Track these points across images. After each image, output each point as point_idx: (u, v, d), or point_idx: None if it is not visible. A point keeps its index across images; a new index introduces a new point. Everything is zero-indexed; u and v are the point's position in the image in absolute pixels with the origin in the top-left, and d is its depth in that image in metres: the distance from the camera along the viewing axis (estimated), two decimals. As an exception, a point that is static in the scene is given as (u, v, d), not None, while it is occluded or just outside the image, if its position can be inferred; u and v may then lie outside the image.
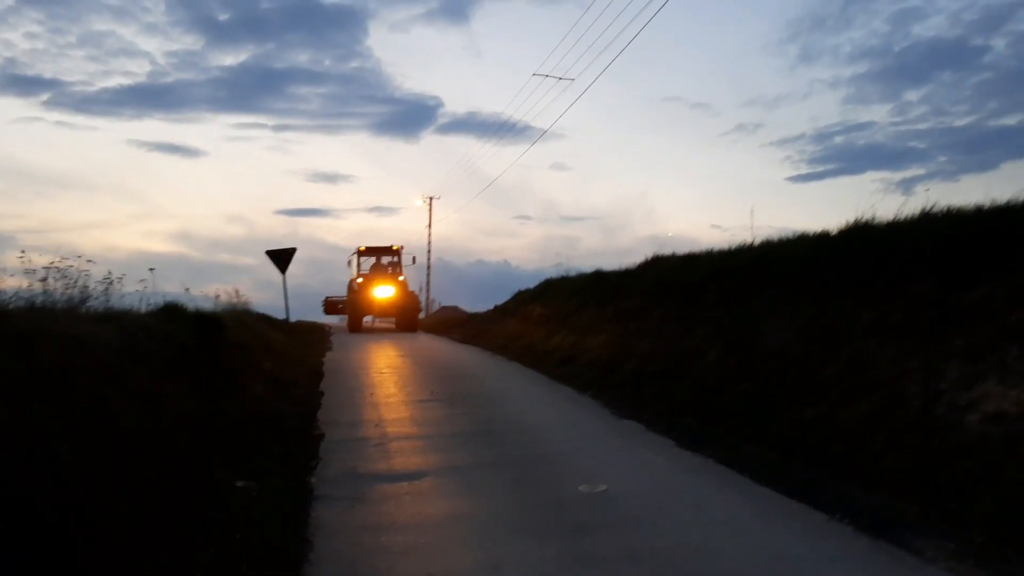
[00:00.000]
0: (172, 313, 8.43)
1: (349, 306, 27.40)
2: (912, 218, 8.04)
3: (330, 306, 34.04)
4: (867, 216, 8.78)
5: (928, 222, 7.75)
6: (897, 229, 8.05)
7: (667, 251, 14.37)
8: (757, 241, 11.40)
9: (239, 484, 5.84)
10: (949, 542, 4.67)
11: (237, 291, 15.47)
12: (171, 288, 9.07)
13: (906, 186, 45.17)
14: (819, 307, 8.40)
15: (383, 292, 26.23)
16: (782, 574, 4.35)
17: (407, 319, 27.05)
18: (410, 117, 59.22)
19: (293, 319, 22.10)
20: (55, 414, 3.63)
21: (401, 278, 27.31)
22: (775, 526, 5.14)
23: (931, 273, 6.99)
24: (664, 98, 55.35)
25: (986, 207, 7.19)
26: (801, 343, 8.29)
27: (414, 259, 31.03)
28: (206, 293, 12.36)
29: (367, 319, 28.03)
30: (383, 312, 27.25)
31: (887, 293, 7.45)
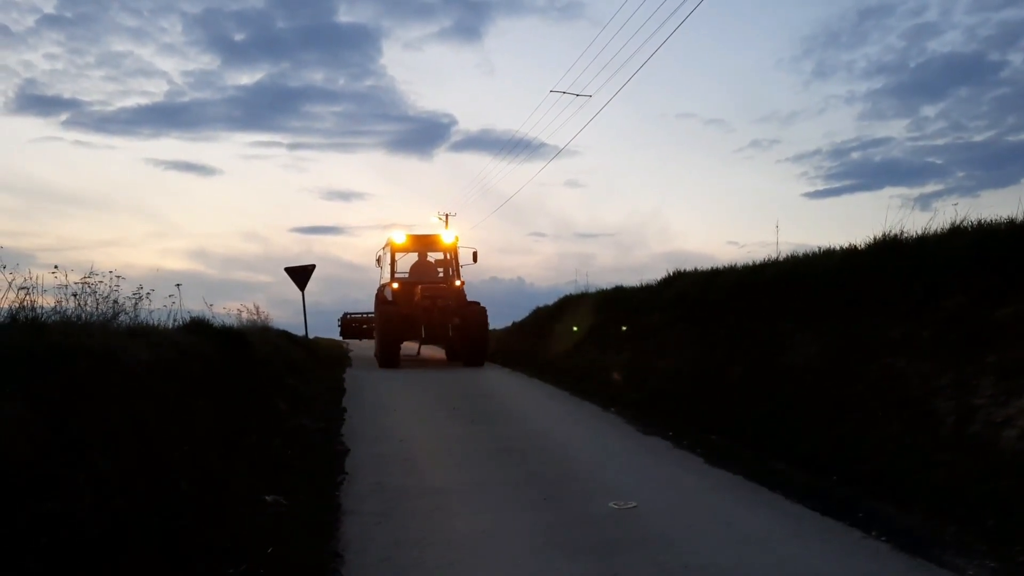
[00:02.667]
0: (199, 329, 8.47)
1: (379, 326, 18.24)
2: (941, 233, 7.96)
3: (349, 326, 25.71)
4: (894, 231, 8.71)
5: (957, 237, 7.66)
6: (926, 244, 7.98)
7: (685, 268, 14.33)
8: (781, 257, 11.33)
9: (267, 499, 5.84)
10: (990, 561, 4.59)
11: (258, 308, 15.47)
12: (191, 305, 9.09)
13: (924, 202, 44.82)
14: (846, 323, 8.32)
15: (433, 304, 17.34)
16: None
17: (473, 346, 17.77)
18: (424, 135, 59.46)
19: (310, 336, 22.12)
20: (93, 428, 3.64)
21: (459, 283, 18.80)
22: (810, 545, 5.06)
23: (962, 289, 6.91)
24: (678, 114, 55.37)
25: (1018, 221, 7.11)
26: (827, 360, 8.21)
27: (475, 255, 20.14)
28: (228, 310, 12.39)
29: (408, 349, 19.25)
30: (434, 335, 18.20)
31: (916, 309, 7.37)
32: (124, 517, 3.36)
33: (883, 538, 5.08)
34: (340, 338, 26.41)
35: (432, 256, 20.52)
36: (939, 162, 41.71)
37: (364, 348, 24.03)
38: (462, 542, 5.23)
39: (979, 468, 5.50)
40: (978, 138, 41.73)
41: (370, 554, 4.99)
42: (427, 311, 17.30)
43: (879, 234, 8.89)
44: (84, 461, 3.29)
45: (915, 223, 10.87)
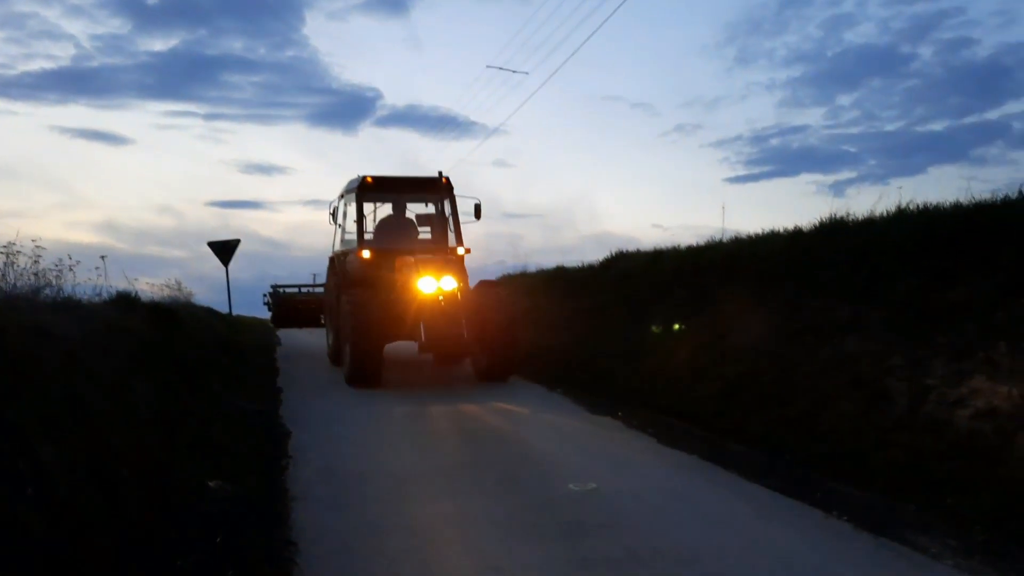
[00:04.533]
0: (127, 304, 7.97)
1: (354, 323, 10.68)
2: (888, 216, 8.08)
3: (285, 308, 17.48)
4: (840, 214, 8.83)
5: (904, 220, 7.79)
6: (873, 227, 8.09)
7: (611, 249, 14.45)
8: (706, 240, 11.42)
9: (211, 484, 5.51)
10: (951, 539, 4.63)
11: (180, 283, 14.62)
12: (108, 280, 8.48)
13: (838, 189, 46.34)
14: (793, 305, 8.40)
15: (432, 285, 10.65)
16: (792, 575, 4.24)
17: (496, 353, 11.08)
18: (348, 109, 57.76)
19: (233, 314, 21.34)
20: (30, 411, 3.29)
21: (462, 251, 12.14)
22: (775, 525, 5.03)
23: (912, 271, 7.02)
24: (605, 97, 55.38)
25: (964, 204, 7.26)
26: (776, 341, 8.27)
27: (477, 209, 12.71)
28: (152, 286, 11.70)
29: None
30: (437, 339, 10.55)
31: (866, 291, 7.47)
32: (69, 508, 3.03)
33: (844, 518, 5.09)
34: (272, 324, 18.60)
35: (412, 210, 13.59)
36: (853, 150, 43.08)
37: (304, 339, 17.96)
38: (422, 529, 5.02)
39: (935, 447, 5.59)
40: (889, 128, 43.28)
41: (325, 542, 4.75)
42: (425, 303, 10.41)
43: (825, 216, 9.01)
44: (25, 449, 2.95)
45: (832, 208, 11.15)
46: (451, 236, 12.91)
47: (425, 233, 13.43)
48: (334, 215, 13.91)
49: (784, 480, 5.96)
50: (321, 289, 17.05)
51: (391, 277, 11.42)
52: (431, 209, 13.62)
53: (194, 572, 4.00)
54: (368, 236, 12.79)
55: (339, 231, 13.77)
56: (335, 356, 12.92)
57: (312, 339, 17.34)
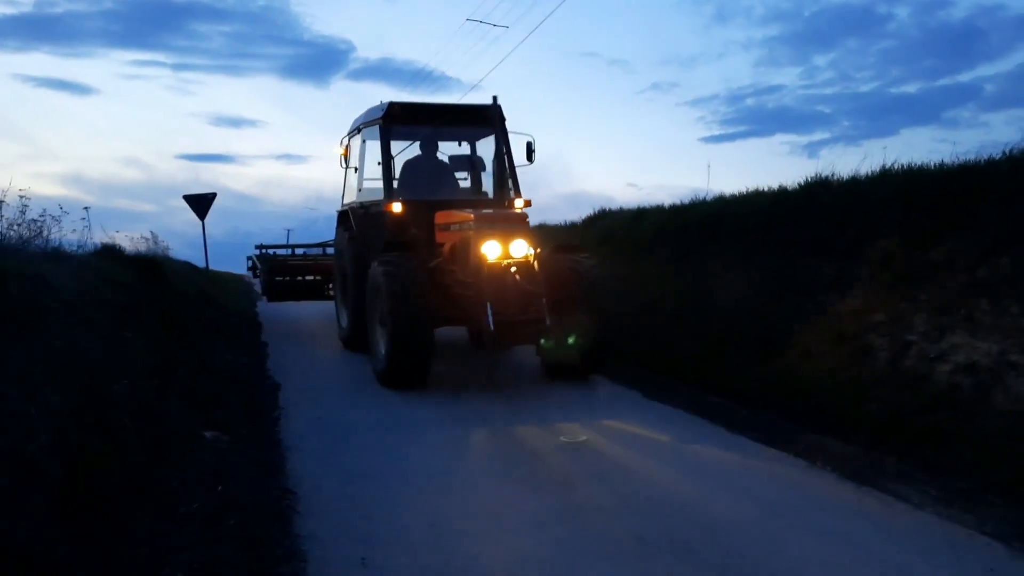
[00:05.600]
0: (113, 256, 7.91)
1: (374, 288, 8.07)
2: (872, 175, 8.18)
3: (280, 275, 12.92)
4: (825, 173, 8.91)
5: (888, 180, 7.89)
6: (858, 186, 8.18)
7: (589, 208, 14.48)
8: (690, 199, 11.49)
9: (207, 435, 5.55)
10: (932, 489, 4.81)
11: (156, 237, 14.40)
12: (90, 232, 8.36)
13: (812, 150, 46.69)
14: (778, 263, 8.51)
15: (496, 251, 7.68)
16: (779, 522, 4.37)
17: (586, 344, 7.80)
18: (320, 61, 56.83)
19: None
20: (36, 359, 3.29)
21: (523, 203, 9.42)
22: (761, 474, 5.19)
23: (896, 230, 7.13)
24: (582, 53, 54.95)
25: (948, 165, 7.36)
26: (761, 298, 8.40)
27: (530, 148, 9.57)
28: (133, 241, 11.55)
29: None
30: (511, 326, 7.48)
31: (850, 249, 7.59)
32: (80, 455, 3.06)
33: (829, 468, 5.26)
34: (266, 297, 13.17)
35: (444, 151, 10.40)
36: (827, 111, 43.31)
37: (299, 314, 13.94)
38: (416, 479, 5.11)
39: (916, 401, 5.75)
40: (864, 88, 43.47)
41: (324, 491, 4.83)
42: (492, 276, 7.59)
43: (811, 176, 9.10)
44: (34, 394, 2.96)
45: (805, 170, 11.29)
46: (485, 184, 10.18)
47: (463, 180, 10.44)
48: (346, 157, 10.80)
49: (768, 432, 6.12)
50: (320, 251, 14.35)
51: (432, 239, 8.86)
52: (465, 149, 10.62)
53: (197, 518, 4.07)
54: (400, 180, 9.81)
55: (354, 177, 10.63)
56: (351, 338, 9.95)
57: (302, 311, 14.05)
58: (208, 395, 6.77)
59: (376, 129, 9.62)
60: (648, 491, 4.85)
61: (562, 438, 6.01)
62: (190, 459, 4.91)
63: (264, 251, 14.19)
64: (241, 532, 3.95)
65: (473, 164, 10.37)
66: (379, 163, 9.56)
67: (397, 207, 8.98)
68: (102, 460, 3.30)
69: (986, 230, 6.27)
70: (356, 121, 10.53)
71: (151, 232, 14.51)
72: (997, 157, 6.92)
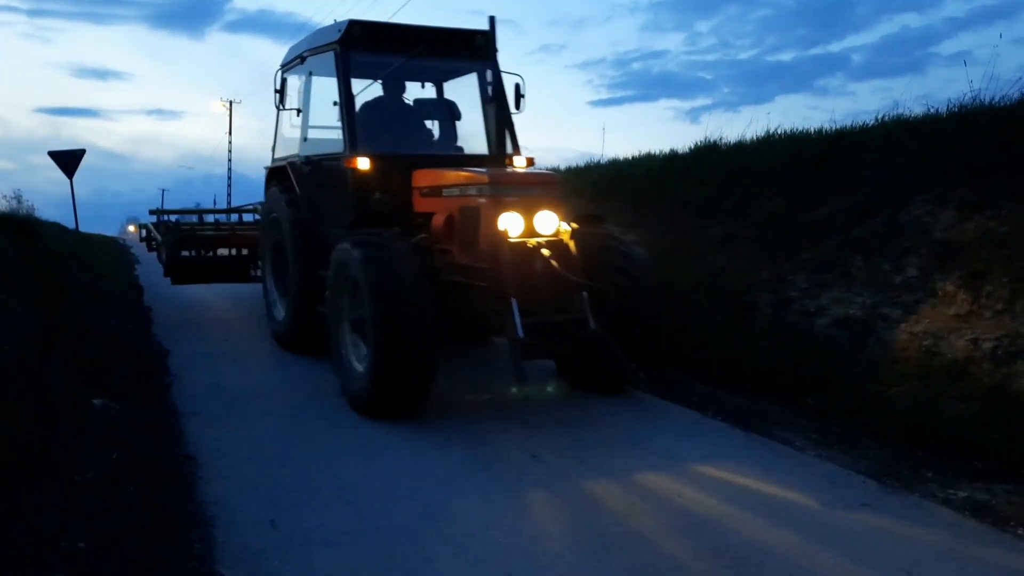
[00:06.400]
0: (-21, 217, 7.36)
1: (377, 303, 5.16)
2: (757, 140, 8.56)
3: (181, 252, 9.71)
4: (713, 138, 9.26)
5: (772, 144, 8.28)
6: (744, 151, 8.55)
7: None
8: (585, 162, 11.71)
9: (96, 402, 5.30)
10: (813, 433, 5.17)
11: (19, 196, 13.44)
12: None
13: (694, 115, 48.45)
14: (669, 224, 8.82)
15: (519, 226, 5.50)
16: (674, 468, 4.59)
17: (633, 344, 5.82)
18: (192, 10, 54.20)
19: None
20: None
21: (521, 162, 7.09)
22: (658, 424, 5.43)
23: (779, 193, 7.51)
24: (470, 11, 54.44)
25: (826, 131, 7.79)
26: (653, 258, 8.67)
27: (518, 91, 7.28)
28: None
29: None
30: (548, 329, 5.51)
31: (737, 211, 7.95)
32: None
33: (719, 418, 5.56)
34: (169, 280, 10.00)
35: (410, 94, 7.92)
36: (709, 77, 45.07)
37: (205, 298, 11.48)
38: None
39: (796, 353, 6.13)
40: (743, 56, 45.20)
41: (226, 456, 4.73)
42: (518, 260, 5.40)
43: (699, 140, 9.43)
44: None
45: (688, 136, 11.76)
46: (460, 137, 7.92)
47: (429, 127, 8.02)
48: (281, 92, 8.01)
49: (663, 386, 6.39)
50: (237, 218, 11.85)
51: (408, 207, 6.61)
52: (431, 92, 8.15)
53: (94, 488, 3.91)
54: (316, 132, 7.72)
55: (294, 122, 7.92)
56: (292, 337, 7.68)
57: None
58: (93, 361, 6.47)
59: (330, 57, 7.04)
60: (552, 444, 4.99)
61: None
62: (81, 427, 4.69)
63: (163, 217, 11.44)
64: (142, 499, 3.83)
65: (450, 110, 7.95)
66: (335, 103, 7.04)
67: (364, 163, 6.57)
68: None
69: (861, 192, 6.69)
70: (297, 47, 7.89)
71: (14, 190, 13.56)
72: (870, 124, 7.37)
